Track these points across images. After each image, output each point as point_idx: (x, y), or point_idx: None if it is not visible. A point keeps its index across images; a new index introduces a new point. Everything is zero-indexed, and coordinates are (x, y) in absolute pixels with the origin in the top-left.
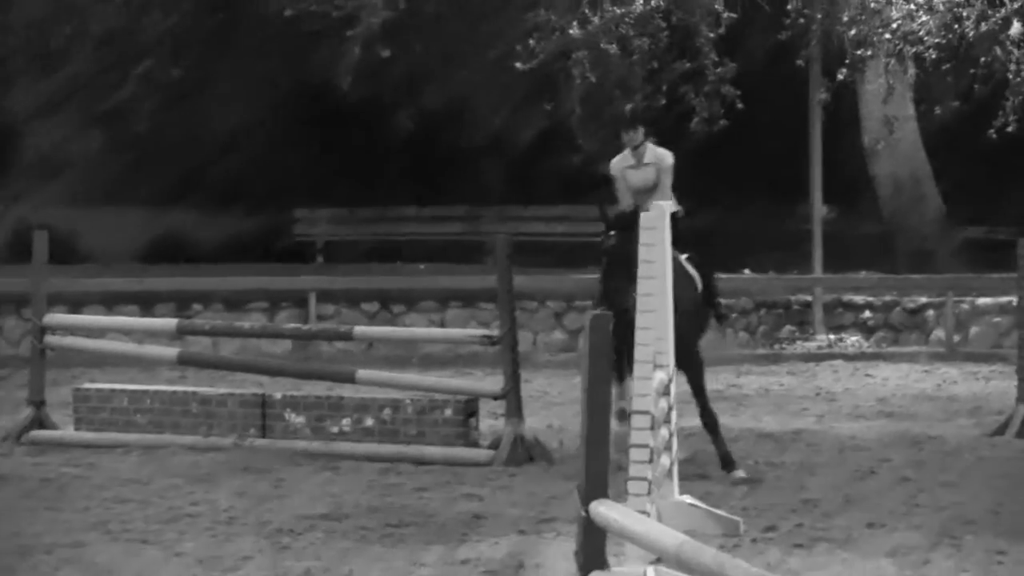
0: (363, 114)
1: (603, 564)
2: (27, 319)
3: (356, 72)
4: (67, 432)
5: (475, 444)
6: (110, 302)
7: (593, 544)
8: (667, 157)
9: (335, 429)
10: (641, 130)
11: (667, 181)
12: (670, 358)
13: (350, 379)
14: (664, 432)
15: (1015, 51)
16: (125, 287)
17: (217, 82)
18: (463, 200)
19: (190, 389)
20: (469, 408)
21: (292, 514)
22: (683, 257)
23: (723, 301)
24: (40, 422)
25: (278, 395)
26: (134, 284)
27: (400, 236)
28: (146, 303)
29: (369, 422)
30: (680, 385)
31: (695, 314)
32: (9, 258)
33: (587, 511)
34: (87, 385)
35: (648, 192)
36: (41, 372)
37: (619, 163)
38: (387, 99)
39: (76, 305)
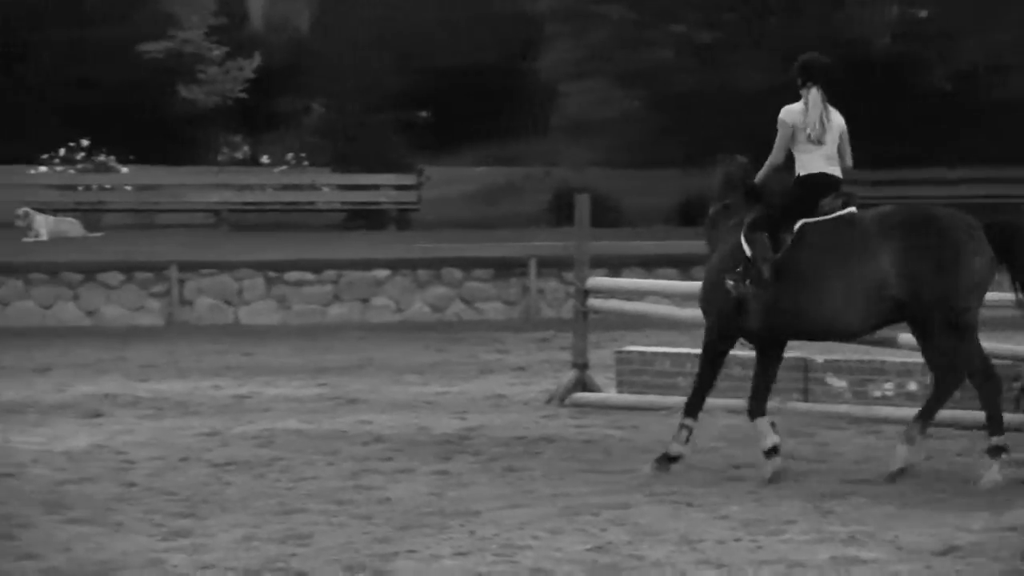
0: (895, 72)
1: None
2: (568, 282)
3: (894, 32)
4: (609, 394)
5: None
6: (649, 264)
7: None
8: (781, 114)
9: (877, 393)
10: (794, 77)
11: (776, 139)
12: None
13: (892, 343)
14: None
15: None
16: (663, 250)
17: (748, 42)
18: (994, 161)
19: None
20: (1016, 372)
21: (835, 478)
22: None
23: None
24: (583, 384)
25: (820, 359)
26: (672, 247)
27: (937, 199)
28: (683, 265)
29: (912, 386)
30: None
31: None
32: (549, 220)
33: None
34: (629, 348)
35: None
36: (584, 335)
37: None
38: (922, 57)
39: (615, 268)
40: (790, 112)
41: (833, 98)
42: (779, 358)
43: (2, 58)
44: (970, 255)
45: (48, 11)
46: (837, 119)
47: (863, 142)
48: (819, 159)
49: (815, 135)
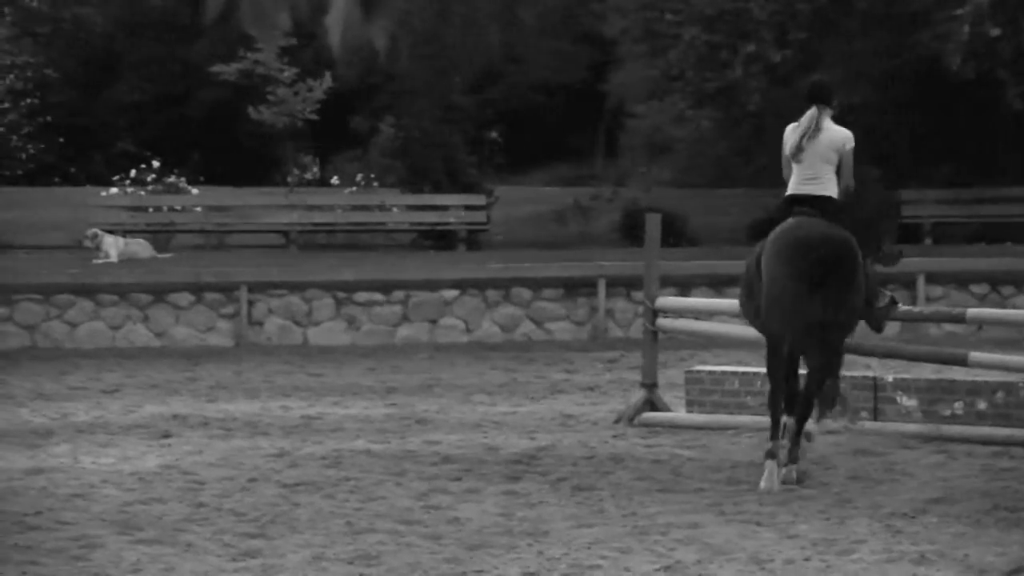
0: (972, 93)
1: None
2: (637, 302)
3: (965, 51)
4: (679, 414)
5: None
6: (718, 284)
7: None
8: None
9: (947, 412)
10: None
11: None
12: None
13: (962, 362)
14: None
15: None
16: (732, 269)
17: (823, 62)
18: None
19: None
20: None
21: (905, 497)
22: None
23: None
24: (652, 404)
25: (889, 378)
26: (740, 267)
27: (1010, 217)
28: None
29: (982, 405)
30: None
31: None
32: (619, 241)
33: None
34: (698, 367)
35: None
36: (653, 354)
37: None
38: (998, 77)
39: (684, 287)
40: (786, 130)
41: (902, 117)
42: (795, 371)
43: (91, 80)
44: (773, 268)
45: (147, 26)
46: (830, 137)
47: (935, 160)
48: (793, 178)
49: (789, 152)
